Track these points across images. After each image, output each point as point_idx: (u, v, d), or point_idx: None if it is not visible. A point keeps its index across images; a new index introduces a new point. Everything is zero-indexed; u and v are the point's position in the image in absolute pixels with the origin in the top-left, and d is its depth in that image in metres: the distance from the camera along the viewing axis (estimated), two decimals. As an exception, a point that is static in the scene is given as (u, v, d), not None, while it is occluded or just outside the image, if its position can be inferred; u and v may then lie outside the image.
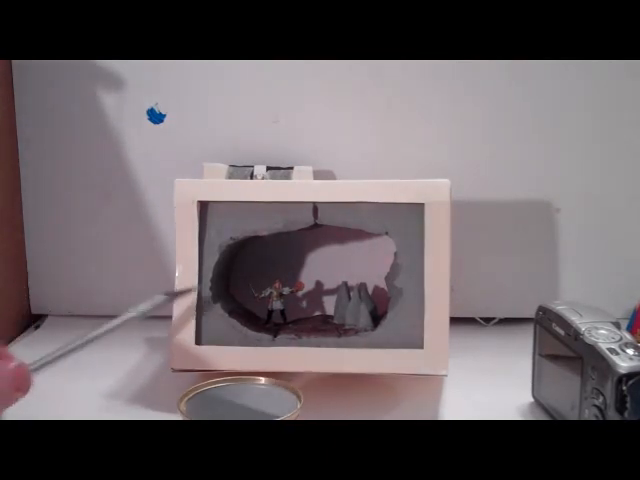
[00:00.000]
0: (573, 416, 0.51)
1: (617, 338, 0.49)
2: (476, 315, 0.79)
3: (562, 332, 0.53)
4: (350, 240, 0.65)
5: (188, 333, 0.57)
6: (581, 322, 0.52)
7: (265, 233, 0.57)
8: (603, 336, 0.50)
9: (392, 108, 0.72)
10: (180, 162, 0.77)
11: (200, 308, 0.57)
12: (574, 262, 0.78)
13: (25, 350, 0.74)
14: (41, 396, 0.61)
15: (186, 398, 0.50)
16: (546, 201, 0.73)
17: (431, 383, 0.65)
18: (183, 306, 0.57)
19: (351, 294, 0.60)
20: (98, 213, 0.79)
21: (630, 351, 0.48)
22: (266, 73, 0.74)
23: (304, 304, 0.65)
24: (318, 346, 0.56)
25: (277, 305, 0.61)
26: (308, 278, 0.65)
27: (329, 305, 0.65)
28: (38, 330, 0.79)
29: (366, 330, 0.57)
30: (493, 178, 0.73)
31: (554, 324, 0.54)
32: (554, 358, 0.55)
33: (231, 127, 0.76)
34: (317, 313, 0.65)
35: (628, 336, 0.50)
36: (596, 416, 0.48)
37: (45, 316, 0.82)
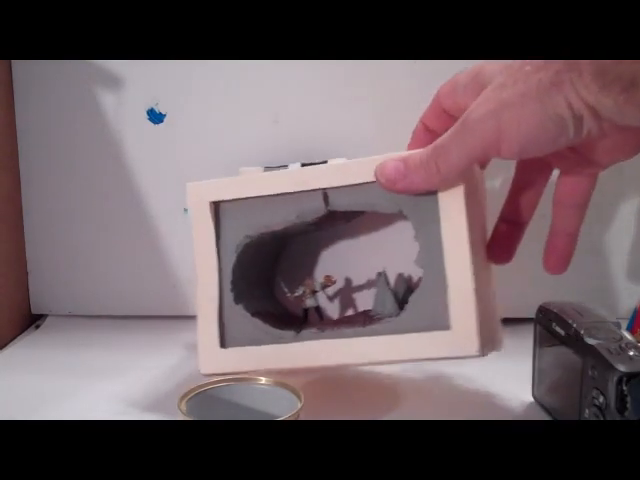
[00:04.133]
0: (573, 416, 0.51)
1: (617, 338, 0.49)
2: (476, 315, 0.79)
3: (562, 332, 0.53)
4: (371, 230, 0.62)
5: (213, 337, 0.56)
6: (581, 322, 0.52)
7: (280, 227, 0.55)
8: (603, 336, 0.50)
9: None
10: (180, 162, 0.77)
11: (222, 310, 0.56)
12: (574, 262, 0.78)
13: (25, 350, 0.74)
14: (41, 396, 0.62)
15: (186, 398, 0.50)
16: (546, 201, 0.73)
17: (430, 383, 0.64)
18: (205, 310, 0.56)
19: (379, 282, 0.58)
20: (98, 213, 0.79)
21: (630, 351, 0.48)
22: (266, 73, 0.74)
23: (336, 303, 0.63)
24: (341, 337, 0.53)
25: (311, 302, 0.59)
26: (338, 276, 0.62)
27: (361, 301, 0.62)
28: (38, 330, 0.79)
29: (391, 316, 0.54)
30: (493, 178, 0.73)
31: (554, 324, 0.54)
32: (554, 358, 0.55)
33: (232, 127, 0.76)
34: (350, 311, 0.62)
35: (628, 336, 0.50)
36: (596, 416, 0.48)
37: (45, 316, 0.82)
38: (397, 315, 0.53)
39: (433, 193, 0.50)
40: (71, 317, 0.81)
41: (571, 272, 0.79)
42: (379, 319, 0.54)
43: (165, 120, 0.76)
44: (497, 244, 0.55)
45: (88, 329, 0.79)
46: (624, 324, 0.65)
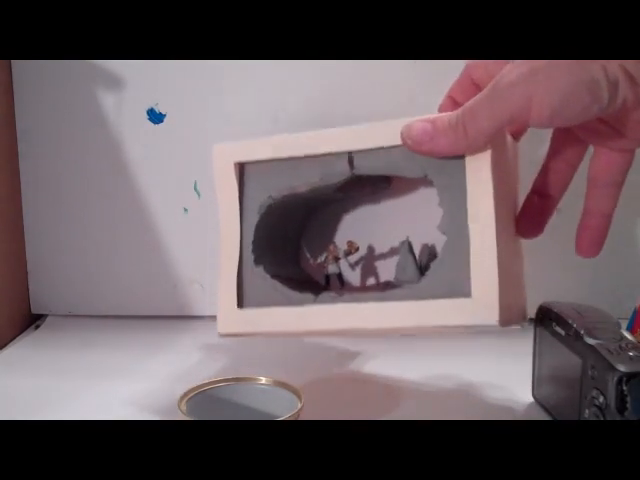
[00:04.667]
0: (573, 416, 0.51)
1: (617, 338, 0.49)
2: (476, 315, 0.79)
3: (562, 332, 0.53)
4: (396, 198, 0.60)
5: (231, 297, 0.55)
6: (581, 322, 0.52)
7: (303, 189, 0.54)
8: (603, 336, 0.50)
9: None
10: (180, 162, 0.77)
11: (241, 271, 0.55)
12: (574, 262, 0.77)
13: (25, 350, 0.74)
14: (41, 397, 0.62)
15: (186, 398, 0.50)
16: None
17: (430, 383, 0.65)
18: (226, 270, 0.55)
19: (402, 249, 0.56)
20: (98, 213, 0.79)
21: (630, 351, 0.48)
22: (266, 73, 0.74)
23: (358, 271, 0.61)
24: (360, 302, 0.52)
25: (333, 269, 0.58)
26: (361, 244, 0.60)
27: (383, 270, 0.60)
28: (38, 330, 0.79)
29: (411, 282, 0.52)
30: (529, 153, 0.73)
31: (554, 324, 0.54)
32: (554, 358, 0.55)
33: (232, 126, 0.76)
34: (372, 279, 0.61)
35: (628, 336, 0.50)
36: (596, 416, 0.48)
37: (45, 316, 0.82)
38: (418, 282, 0.52)
39: (460, 158, 0.49)
40: (71, 317, 0.81)
41: (571, 272, 0.79)
42: (399, 285, 0.53)
43: (165, 120, 0.76)
44: (526, 217, 0.54)
45: (88, 329, 0.79)
46: (624, 324, 0.65)
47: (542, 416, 0.57)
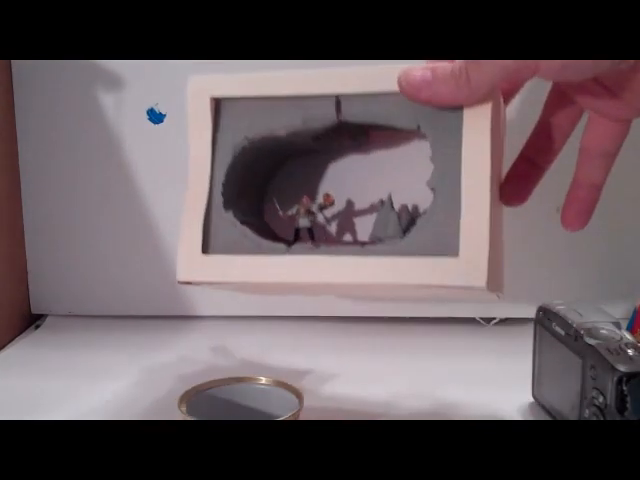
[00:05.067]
0: (573, 416, 0.51)
1: (617, 338, 0.49)
2: (476, 315, 0.79)
3: (562, 332, 0.53)
4: (380, 153, 0.56)
5: (195, 242, 0.51)
6: (581, 322, 0.52)
7: (283, 132, 0.50)
8: (603, 336, 0.50)
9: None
10: (180, 162, 0.77)
11: (209, 214, 0.51)
12: (574, 262, 0.78)
13: (25, 350, 0.74)
14: (41, 397, 0.62)
15: (186, 398, 0.50)
16: (546, 201, 0.73)
17: (430, 382, 0.65)
18: (191, 212, 0.51)
19: (383, 206, 0.52)
20: (98, 213, 0.79)
21: (630, 351, 0.48)
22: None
23: (333, 227, 0.57)
24: (337, 254, 0.48)
25: (304, 222, 0.53)
26: (338, 198, 0.56)
27: (361, 228, 0.56)
28: (38, 330, 0.79)
29: (393, 238, 0.49)
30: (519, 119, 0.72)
31: (554, 324, 0.54)
32: (554, 358, 0.55)
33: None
34: (347, 236, 0.56)
35: (628, 336, 0.50)
36: (596, 416, 0.48)
37: (45, 316, 0.82)
38: (401, 238, 0.48)
39: (457, 110, 0.46)
40: (71, 317, 0.81)
41: (571, 272, 0.79)
42: (380, 241, 0.49)
43: (165, 120, 0.76)
44: (512, 183, 0.51)
45: (88, 329, 0.79)
46: (624, 324, 0.65)
47: (542, 416, 0.57)
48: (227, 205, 0.51)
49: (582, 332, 0.51)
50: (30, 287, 0.81)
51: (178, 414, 0.49)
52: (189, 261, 0.51)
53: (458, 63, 0.43)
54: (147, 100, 0.76)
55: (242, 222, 0.51)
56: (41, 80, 0.77)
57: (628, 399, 0.46)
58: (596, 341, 0.49)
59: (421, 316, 0.79)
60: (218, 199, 0.51)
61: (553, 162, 0.52)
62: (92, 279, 0.81)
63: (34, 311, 0.82)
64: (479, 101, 0.45)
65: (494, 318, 0.79)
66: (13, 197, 0.79)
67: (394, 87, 0.46)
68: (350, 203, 0.56)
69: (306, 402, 0.49)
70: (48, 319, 0.81)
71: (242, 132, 0.50)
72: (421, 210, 0.50)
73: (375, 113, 0.48)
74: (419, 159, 0.49)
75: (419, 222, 0.48)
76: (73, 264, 0.80)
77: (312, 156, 0.56)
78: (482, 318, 0.79)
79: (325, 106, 0.49)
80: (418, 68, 0.44)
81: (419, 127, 0.47)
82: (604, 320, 0.52)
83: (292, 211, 0.54)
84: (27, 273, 0.81)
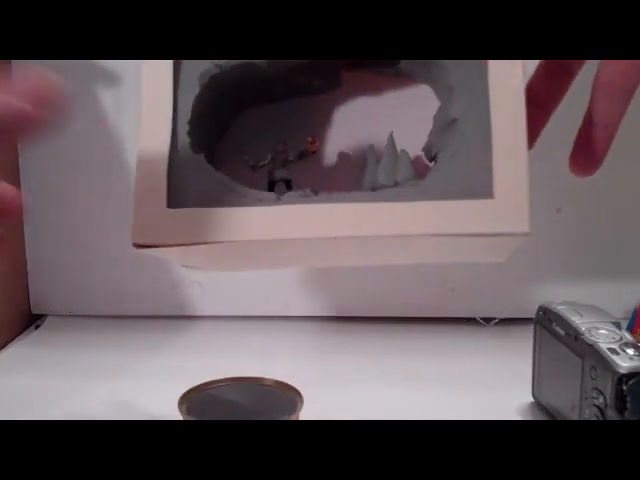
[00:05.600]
0: (573, 416, 0.51)
1: (617, 338, 0.49)
2: (476, 315, 0.79)
3: (562, 332, 0.53)
4: (362, 94, 0.47)
5: (157, 194, 0.40)
6: (581, 322, 0.52)
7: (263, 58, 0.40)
8: (603, 336, 0.50)
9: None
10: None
11: (173, 159, 0.39)
12: (574, 262, 0.78)
13: (25, 350, 0.74)
14: (41, 396, 0.62)
15: (186, 398, 0.50)
16: (546, 201, 0.73)
17: (430, 382, 0.64)
18: (149, 159, 0.39)
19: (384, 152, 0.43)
20: (98, 213, 0.79)
21: (630, 351, 0.48)
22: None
23: (318, 178, 0.45)
24: (344, 202, 0.38)
25: (281, 174, 0.43)
26: (326, 149, 0.46)
27: (346, 179, 0.45)
28: (38, 330, 0.79)
29: (410, 181, 0.40)
30: None
31: (554, 324, 0.54)
32: (554, 358, 0.55)
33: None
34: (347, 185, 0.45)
35: (628, 336, 0.50)
36: (596, 416, 0.48)
37: (45, 316, 0.82)
38: (420, 179, 0.40)
39: None
40: (71, 317, 0.81)
41: (571, 272, 0.79)
42: (395, 183, 0.41)
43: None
44: None
45: (88, 329, 0.79)
46: (624, 324, 0.65)
47: (542, 416, 0.57)
48: (197, 148, 0.40)
49: (582, 332, 0.51)
50: (30, 287, 0.81)
51: (178, 414, 0.49)
52: (150, 218, 0.41)
53: None
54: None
55: (217, 167, 0.40)
56: (41, 80, 0.77)
57: (628, 399, 0.46)
58: (596, 341, 0.49)
59: (421, 316, 0.79)
60: (184, 140, 0.40)
61: (559, 103, 0.46)
62: (92, 279, 0.81)
63: (34, 311, 0.82)
64: None
65: (494, 318, 0.79)
66: (13, 197, 0.79)
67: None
68: (335, 149, 0.46)
69: (306, 402, 0.49)
70: (48, 319, 0.81)
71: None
72: (434, 150, 0.41)
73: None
74: (411, 100, 0.43)
75: (441, 157, 0.39)
76: (73, 264, 0.80)
77: (283, 99, 0.46)
78: (482, 318, 0.79)
79: None
80: None
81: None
82: (604, 320, 0.52)
83: (264, 161, 0.44)
84: (27, 273, 0.81)
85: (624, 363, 0.47)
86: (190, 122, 0.41)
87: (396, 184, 0.40)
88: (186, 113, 0.41)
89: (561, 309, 0.54)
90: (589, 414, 0.49)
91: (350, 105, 0.46)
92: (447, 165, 0.39)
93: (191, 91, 0.41)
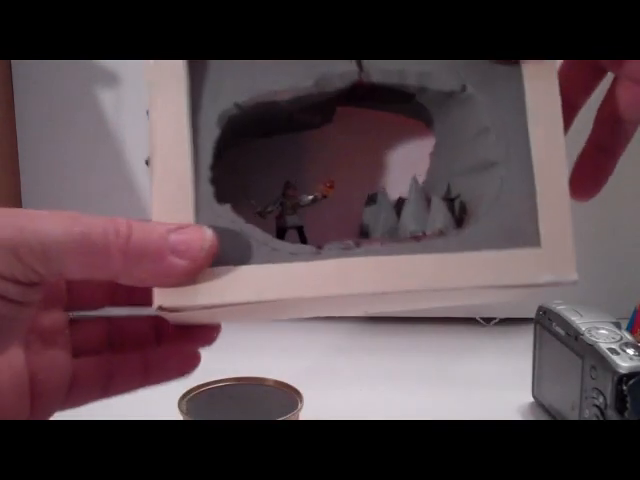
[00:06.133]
0: (573, 416, 0.51)
1: (617, 338, 0.49)
2: (476, 315, 0.79)
3: (562, 332, 0.53)
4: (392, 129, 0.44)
5: None
6: (581, 322, 0.52)
7: (288, 96, 0.37)
8: (603, 336, 0.50)
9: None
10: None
11: (200, 212, 0.36)
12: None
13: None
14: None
15: (186, 398, 0.50)
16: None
17: (430, 382, 0.64)
18: (169, 212, 0.35)
19: (408, 196, 0.40)
20: (98, 213, 0.79)
21: (630, 351, 0.48)
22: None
23: (326, 226, 0.43)
24: (389, 255, 0.35)
25: (293, 221, 0.40)
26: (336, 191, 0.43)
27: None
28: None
29: (450, 230, 0.38)
30: None
31: (554, 324, 0.54)
32: (554, 358, 0.55)
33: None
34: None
35: (628, 336, 0.50)
36: (596, 416, 0.48)
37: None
38: (462, 229, 0.38)
39: (513, 64, 0.37)
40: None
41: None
42: (439, 232, 0.38)
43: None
44: (582, 173, 0.44)
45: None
46: (624, 324, 0.65)
47: (542, 416, 0.57)
48: (221, 196, 0.37)
49: (582, 332, 0.51)
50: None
51: (178, 414, 0.49)
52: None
53: None
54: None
55: (247, 220, 0.37)
56: (41, 80, 0.77)
57: (628, 399, 0.46)
58: (596, 341, 0.49)
59: (421, 316, 0.79)
60: (206, 189, 0.36)
61: (570, 124, 0.44)
62: (92, 279, 0.81)
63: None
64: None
65: (494, 318, 0.79)
66: (13, 197, 0.79)
67: None
68: (342, 191, 0.43)
69: (306, 402, 0.49)
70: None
71: (232, 95, 0.37)
72: (468, 195, 0.40)
73: (407, 69, 0.38)
74: (461, 128, 0.40)
75: (484, 204, 0.38)
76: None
77: (284, 135, 0.44)
78: (482, 318, 0.79)
79: (344, 61, 0.37)
80: None
81: (464, 88, 0.38)
82: (604, 320, 0.52)
83: (273, 206, 0.41)
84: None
85: (624, 363, 0.47)
86: (212, 168, 0.37)
87: (441, 231, 0.38)
88: (206, 159, 0.37)
89: (561, 309, 0.54)
90: (589, 414, 0.49)
91: (354, 143, 0.45)
92: (490, 213, 0.37)
93: (211, 135, 0.37)
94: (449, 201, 0.40)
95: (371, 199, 0.42)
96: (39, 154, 0.78)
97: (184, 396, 0.51)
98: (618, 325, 0.52)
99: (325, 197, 0.41)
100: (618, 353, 0.48)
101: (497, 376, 0.65)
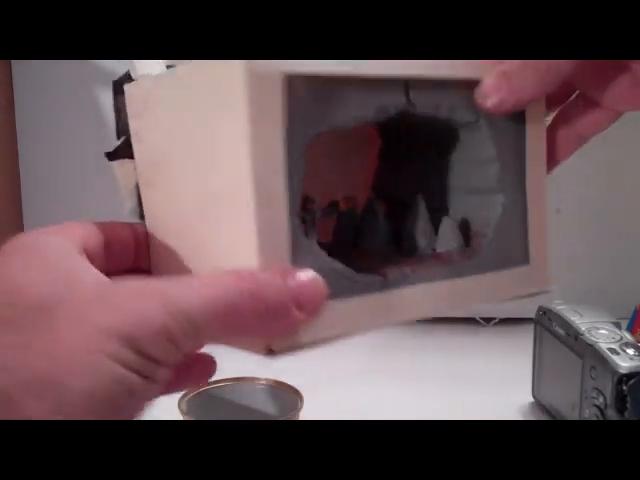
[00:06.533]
0: (573, 416, 0.51)
1: (617, 338, 0.49)
2: (476, 315, 0.79)
3: (562, 332, 0.53)
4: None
5: None
6: (581, 322, 0.52)
7: (352, 124, 0.38)
8: (603, 336, 0.50)
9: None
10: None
11: (294, 249, 0.35)
12: (574, 262, 0.78)
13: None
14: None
15: (186, 398, 0.50)
16: (556, 196, 0.73)
17: (430, 382, 0.64)
18: (273, 251, 0.34)
19: (413, 209, 0.44)
20: (98, 213, 0.79)
21: (630, 351, 0.48)
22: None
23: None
24: (431, 281, 0.39)
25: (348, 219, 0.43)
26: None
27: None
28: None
29: (469, 251, 0.42)
30: None
31: (554, 324, 0.54)
32: (554, 358, 0.55)
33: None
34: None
35: (628, 336, 0.50)
36: (596, 416, 0.48)
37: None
38: (462, 251, 0.42)
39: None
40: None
41: (571, 272, 0.79)
42: (466, 256, 0.42)
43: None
44: None
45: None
46: (624, 324, 0.65)
47: (542, 416, 0.57)
48: (308, 230, 0.36)
49: (582, 332, 0.51)
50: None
51: (178, 414, 0.49)
52: None
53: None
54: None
55: (330, 253, 0.37)
56: (41, 80, 0.77)
57: (628, 399, 0.46)
58: (596, 341, 0.49)
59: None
60: (296, 224, 0.35)
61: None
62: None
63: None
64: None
65: (494, 318, 0.79)
66: (13, 197, 0.79)
67: (462, 74, 0.40)
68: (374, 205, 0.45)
69: (306, 402, 0.49)
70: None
71: (315, 125, 0.36)
72: (471, 215, 0.43)
73: (439, 100, 0.41)
74: (469, 158, 0.44)
75: (491, 231, 0.42)
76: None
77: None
78: (482, 318, 0.79)
79: (396, 91, 0.39)
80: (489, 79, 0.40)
81: (478, 119, 0.41)
82: (604, 320, 0.52)
83: (330, 210, 0.44)
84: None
85: (624, 363, 0.47)
86: (302, 199, 0.36)
87: (467, 254, 0.42)
88: (297, 190, 0.35)
89: (561, 309, 0.54)
90: (589, 414, 0.49)
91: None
92: (495, 237, 0.42)
93: (299, 164, 0.35)
94: (457, 221, 0.44)
95: (367, 206, 0.45)
96: (39, 154, 0.78)
97: (184, 396, 0.51)
98: (618, 325, 0.52)
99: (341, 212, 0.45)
100: (618, 353, 0.48)
101: (497, 376, 0.65)
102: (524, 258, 0.43)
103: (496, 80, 0.41)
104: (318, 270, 0.35)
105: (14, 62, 0.76)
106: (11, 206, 0.78)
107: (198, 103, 0.35)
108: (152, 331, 0.30)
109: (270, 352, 0.37)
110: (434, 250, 0.43)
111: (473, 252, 0.42)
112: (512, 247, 0.42)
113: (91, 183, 0.79)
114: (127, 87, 0.42)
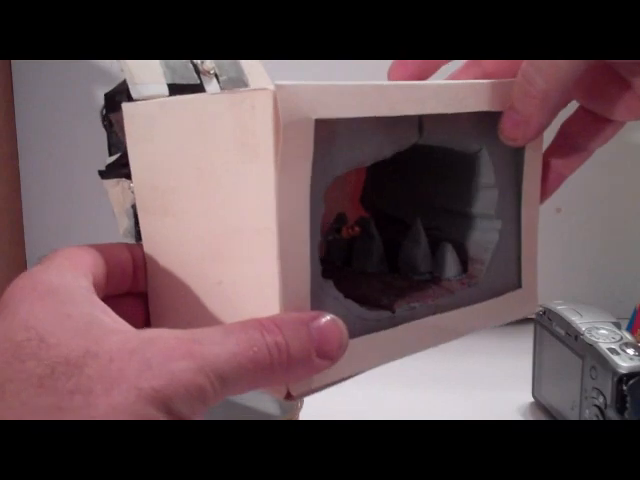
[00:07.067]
0: (573, 416, 0.51)
1: (617, 338, 0.49)
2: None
3: (562, 332, 0.53)
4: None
5: None
6: (581, 322, 0.52)
7: (369, 163, 0.37)
8: (603, 336, 0.50)
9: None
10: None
11: (314, 291, 0.35)
12: (574, 262, 0.78)
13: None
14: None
15: (186, 398, 0.50)
16: (545, 201, 0.73)
17: (430, 383, 0.64)
18: (291, 291, 0.34)
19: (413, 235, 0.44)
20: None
21: (630, 351, 0.48)
22: (266, 71, 0.74)
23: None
24: (435, 313, 0.40)
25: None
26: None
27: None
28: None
29: (468, 278, 0.42)
30: None
31: (554, 324, 0.54)
32: (554, 358, 0.55)
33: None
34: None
35: (628, 336, 0.50)
36: (596, 416, 0.48)
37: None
38: (461, 278, 0.42)
39: None
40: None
41: (571, 272, 0.79)
42: (466, 283, 0.42)
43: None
44: None
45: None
46: (624, 324, 0.65)
47: (542, 416, 0.57)
48: (326, 273, 0.36)
49: (582, 332, 0.51)
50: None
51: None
52: None
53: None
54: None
55: (347, 295, 0.37)
56: (41, 80, 0.77)
57: (628, 399, 0.46)
58: (596, 341, 0.49)
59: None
60: (316, 266, 0.35)
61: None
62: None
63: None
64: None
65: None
66: (13, 197, 0.79)
67: (478, 106, 0.39)
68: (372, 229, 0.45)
69: (306, 402, 0.49)
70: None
71: (334, 168, 0.35)
72: (467, 239, 0.44)
73: (450, 134, 0.40)
74: (469, 184, 0.44)
75: (493, 256, 0.42)
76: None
77: None
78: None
79: (410, 128, 0.38)
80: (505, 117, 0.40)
81: (480, 150, 0.42)
82: (604, 320, 0.52)
83: (335, 234, 0.45)
84: (27, 273, 0.81)
85: (624, 363, 0.47)
86: (323, 242, 0.36)
87: (466, 281, 0.42)
88: (316, 233, 0.34)
89: (561, 309, 0.55)
90: (589, 414, 0.49)
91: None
92: (493, 264, 0.42)
93: (319, 211, 0.34)
94: (455, 246, 0.44)
95: (364, 229, 0.45)
96: (39, 154, 0.78)
97: (184, 396, 0.50)
98: (618, 325, 0.52)
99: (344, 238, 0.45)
100: (618, 353, 0.48)
101: (497, 376, 0.65)
102: (517, 283, 0.43)
103: (514, 128, 0.39)
104: (336, 312, 0.34)
105: (14, 62, 0.76)
106: (11, 205, 0.78)
107: (216, 136, 0.34)
108: (187, 392, 0.31)
109: (289, 396, 0.37)
110: (434, 276, 0.43)
111: (471, 279, 0.43)
112: (507, 273, 0.43)
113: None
114: (127, 107, 0.40)
